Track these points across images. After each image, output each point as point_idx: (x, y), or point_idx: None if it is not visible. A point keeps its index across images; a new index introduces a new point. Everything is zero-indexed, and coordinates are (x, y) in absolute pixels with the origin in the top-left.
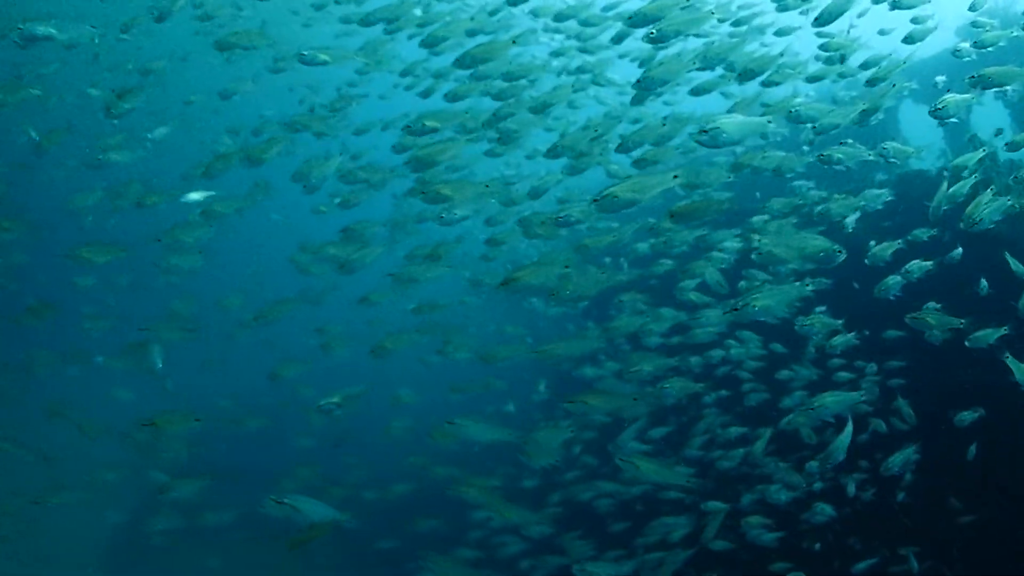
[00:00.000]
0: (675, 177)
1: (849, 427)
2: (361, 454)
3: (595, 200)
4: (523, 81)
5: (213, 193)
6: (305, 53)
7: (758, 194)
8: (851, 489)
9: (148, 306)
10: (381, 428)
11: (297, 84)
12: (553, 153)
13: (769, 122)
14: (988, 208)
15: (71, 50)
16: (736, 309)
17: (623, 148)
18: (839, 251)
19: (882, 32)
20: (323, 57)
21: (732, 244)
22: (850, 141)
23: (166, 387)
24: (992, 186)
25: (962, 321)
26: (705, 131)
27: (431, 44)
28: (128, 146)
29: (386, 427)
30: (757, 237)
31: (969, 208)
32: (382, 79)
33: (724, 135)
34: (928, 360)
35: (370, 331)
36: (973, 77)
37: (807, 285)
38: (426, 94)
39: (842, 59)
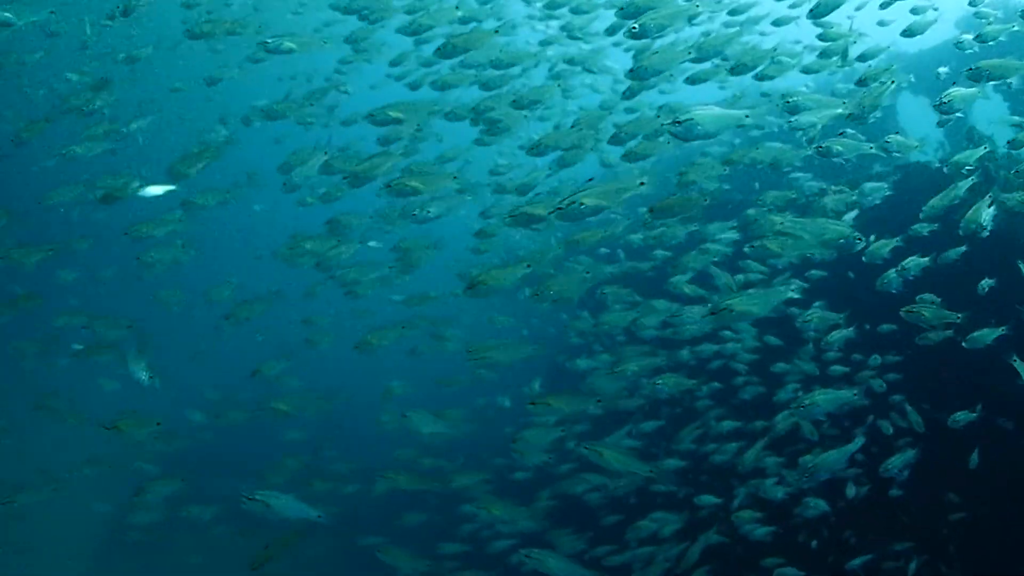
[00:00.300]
0: (642, 184)
1: (847, 449)
2: (349, 447)
3: (558, 208)
4: (515, 69)
5: (173, 187)
6: (269, 41)
7: (757, 184)
8: (851, 491)
9: (136, 295)
10: (371, 419)
11: (295, 72)
12: (536, 151)
13: (747, 116)
14: (987, 214)
15: (53, 38)
16: (714, 312)
17: (616, 140)
18: (859, 238)
19: (881, 23)
20: (288, 45)
21: (728, 235)
22: (852, 132)
23: (155, 386)
24: (995, 182)
25: (959, 315)
26: (679, 122)
27: (415, 33)
28: (100, 139)
29: (376, 419)
30: (779, 220)
31: (968, 215)
32: (373, 68)
33: (699, 127)
34: (927, 354)
35: (360, 322)
36: (971, 69)
37: (791, 289)
38: (415, 86)
39: (844, 56)
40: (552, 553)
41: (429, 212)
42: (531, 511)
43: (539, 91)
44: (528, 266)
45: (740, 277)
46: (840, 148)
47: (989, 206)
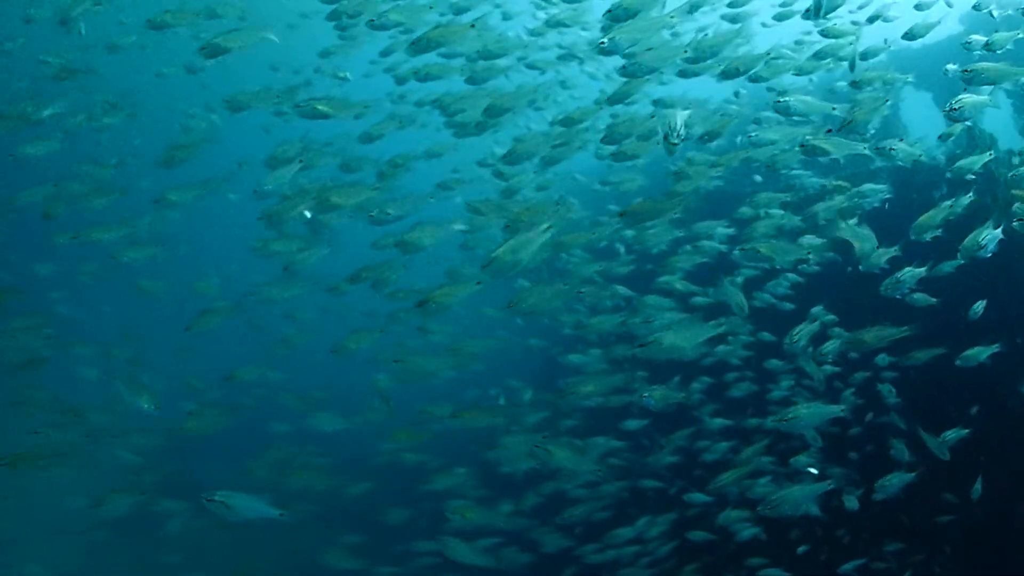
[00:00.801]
0: (548, 228)
1: (816, 488)
2: (334, 440)
3: (484, 266)
4: (503, 61)
5: None
6: (205, 46)
7: (758, 178)
8: (852, 503)
9: (122, 287)
10: (357, 412)
11: (282, 62)
12: (510, 159)
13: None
14: (989, 236)
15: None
16: (642, 345)
17: (608, 140)
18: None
19: (886, 20)
20: (228, 44)
21: (723, 231)
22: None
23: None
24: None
25: (904, 329)
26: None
27: (382, 27)
28: (51, 137)
29: (362, 412)
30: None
31: (967, 240)
32: (369, 56)
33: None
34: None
35: (345, 318)
36: (967, 71)
37: (720, 325)
38: (401, 80)
39: (852, 65)
40: (460, 542)
41: (388, 213)
42: (516, 509)
43: (512, 97)
44: (478, 283)
45: (739, 278)
46: (828, 147)
47: (995, 227)
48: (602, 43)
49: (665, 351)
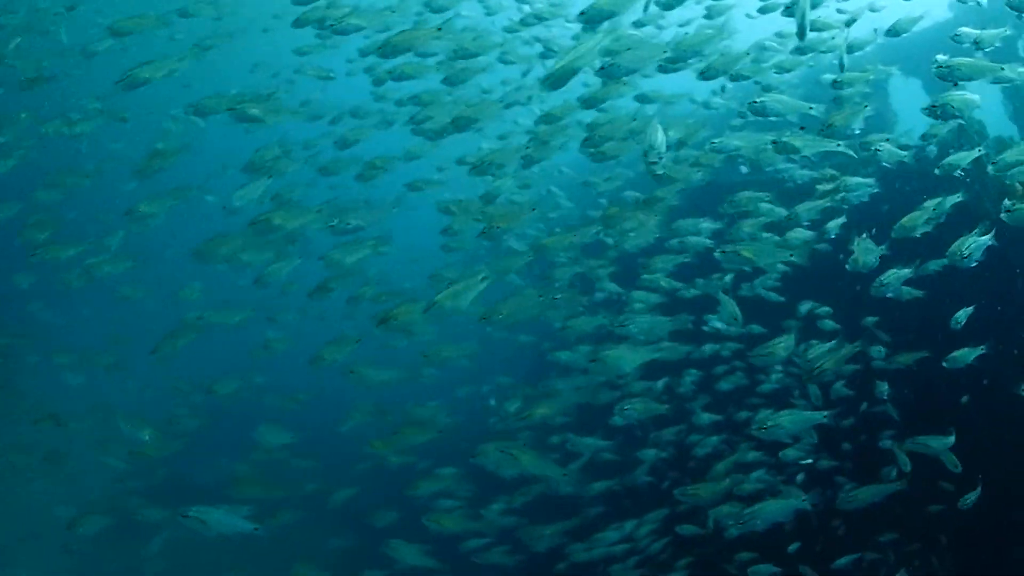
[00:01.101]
0: (483, 279)
1: (792, 503)
2: (320, 441)
3: (425, 310)
4: (480, 59)
5: None
6: (124, 77)
7: (744, 169)
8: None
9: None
10: (344, 412)
11: (260, 61)
12: (479, 170)
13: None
14: (974, 245)
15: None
16: (592, 361)
17: (589, 143)
18: None
19: (873, 9)
20: (146, 75)
21: (709, 225)
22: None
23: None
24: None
25: (857, 345)
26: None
27: (344, 32)
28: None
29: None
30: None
31: (954, 246)
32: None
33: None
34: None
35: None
36: (941, 68)
37: (657, 351)
38: (379, 81)
39: (841, 67)
40: (405, 544)
41: (349, 224)
42: (507, 507)
43: (481, 108)
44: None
45: (728, 276)
46: (800, 145)
47: (983, 235)
48: (547, 78)
49: (611, 370)
